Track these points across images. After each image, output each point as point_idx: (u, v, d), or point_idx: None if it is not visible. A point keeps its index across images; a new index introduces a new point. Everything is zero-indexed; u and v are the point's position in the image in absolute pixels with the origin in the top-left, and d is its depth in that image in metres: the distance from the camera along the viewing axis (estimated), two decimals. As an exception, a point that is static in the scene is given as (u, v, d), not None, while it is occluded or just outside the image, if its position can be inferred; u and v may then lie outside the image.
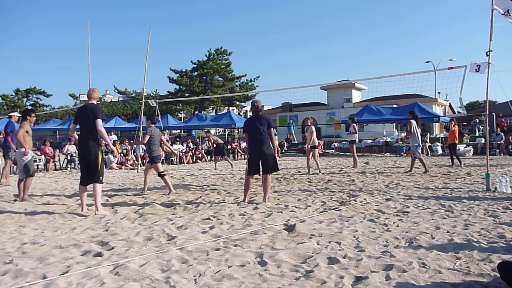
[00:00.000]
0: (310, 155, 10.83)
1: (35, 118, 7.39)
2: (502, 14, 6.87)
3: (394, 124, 24.21)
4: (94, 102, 5.60)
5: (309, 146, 10.75)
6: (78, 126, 5.63)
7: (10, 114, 9.53)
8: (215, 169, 13.28)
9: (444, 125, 23.83)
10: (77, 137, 5.80)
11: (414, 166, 10.72)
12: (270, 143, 6.03)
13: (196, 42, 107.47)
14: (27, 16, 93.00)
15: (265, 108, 40.10)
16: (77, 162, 14.15)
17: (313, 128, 10.82)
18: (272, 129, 6.11)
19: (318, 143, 11.28)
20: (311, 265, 3.04)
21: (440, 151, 19.20)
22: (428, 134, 21.27)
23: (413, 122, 10.33)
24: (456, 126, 12.75)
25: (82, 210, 5.45)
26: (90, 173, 5.35)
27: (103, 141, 5.51)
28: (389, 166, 12.72)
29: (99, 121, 5.33)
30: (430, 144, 20.14)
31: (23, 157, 6.70)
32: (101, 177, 5.41)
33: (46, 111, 41.19)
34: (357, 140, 13.17)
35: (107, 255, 3.36)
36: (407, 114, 10.82)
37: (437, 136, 23.22)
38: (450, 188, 7.32)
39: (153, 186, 8.47)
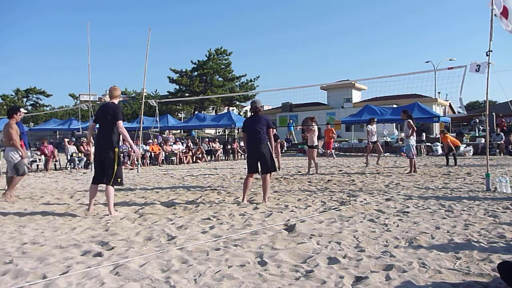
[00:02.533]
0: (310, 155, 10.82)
1: (21, 116, 7.07)
2: (495, 15, 6.87)
3: (394, 124, 24.22)
4: (116, 101, 5.45)
5: (309, 145, 10.75)
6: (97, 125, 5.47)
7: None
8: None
9: (445, 125, 23.87)
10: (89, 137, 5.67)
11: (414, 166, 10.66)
12: (268, 143, 6.03)
13: (196, 42, 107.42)
14: (27, 16, 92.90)
15: (265, 108, 40.11)
16: (77, 162, 14.16)
17: (315, 127, 10.82)
18: (271, 129, 6.10)
19: (318, 143, 11.28)
20: (311, 265, 3.04)
21: (440, 151, 19.21)
22: (424, 133, 21.41)
23: (411, 121, 10.36)
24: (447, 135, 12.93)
25: (88, 210, 5.39)
26: (105, 174, 5.21)
27: (126, 142, 5.36)
28: (389, 166, 12.72)
29: (121, 122, 5.20)
30: (430, 144, 20.16)
31: (14, 156, 6.59)
32: (118, 180, 5.26)
33: (46, 111, 41.18)
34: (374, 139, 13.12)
35: (107, 255, 3.36)
36: (401, 113, 10.83)
37: (437, 136, 23.22)
38: (450, 188, 7.32)
39: (153, 186, 8.47)
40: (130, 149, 15.87)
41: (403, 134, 12.54)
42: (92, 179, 5.40)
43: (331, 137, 17.84)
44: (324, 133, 17.95)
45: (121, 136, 5.36)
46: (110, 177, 5.19)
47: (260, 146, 5.93)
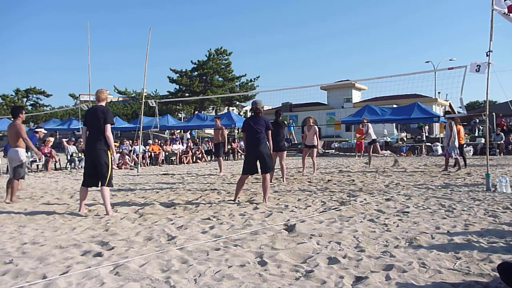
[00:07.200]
0: (307, 154, 10.81)
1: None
2: (504, 14, 6.85)
3: (394, 124, 24.22)
4: (104, 103, 5.42)
5: (308, 145, 10.71)
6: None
7: (37, 130, 9.33)
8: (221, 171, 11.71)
9: (444, 125, 23.83)
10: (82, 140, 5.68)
11: (448, 165, 10.61)
12: (267, 143, 6.06)
13: (196, 42, 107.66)
14: (27, 16, 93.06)
15: (265, 108, 40.07)
16: (77, 162, 14.14)
17: (316, 128, 10.80)
18: (269, 131, 6.13)
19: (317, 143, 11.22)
20: (311, 265, 3.04)
21: (440, 151, 19.19)
22: (424, 134, 21.70)
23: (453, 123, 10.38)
24: (460, 126, 12.56)
25: (79, 211, 5.42)
26: (98, 176, 5.22)
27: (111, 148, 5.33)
28: (389, 166, 12.71)
29: (108, 126, 5.20)
30: (430, 144, 20.18)
31: (17, 157, 6.40)
32: (111, 181, 5.31)
33: (46, 111, 41.17)
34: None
35: (107, 255, 3.36)
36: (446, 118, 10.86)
37: (437, 136, 23.21)
38: (450, 188, 7.32)
39: (153, 186, 8.47)
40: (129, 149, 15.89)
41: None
42: (83, 182, 5.43)
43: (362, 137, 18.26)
44: (357, 132, 18.33)
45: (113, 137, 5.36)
46: (105, 179, 5.22)
47: (259, 146, 5.95)
